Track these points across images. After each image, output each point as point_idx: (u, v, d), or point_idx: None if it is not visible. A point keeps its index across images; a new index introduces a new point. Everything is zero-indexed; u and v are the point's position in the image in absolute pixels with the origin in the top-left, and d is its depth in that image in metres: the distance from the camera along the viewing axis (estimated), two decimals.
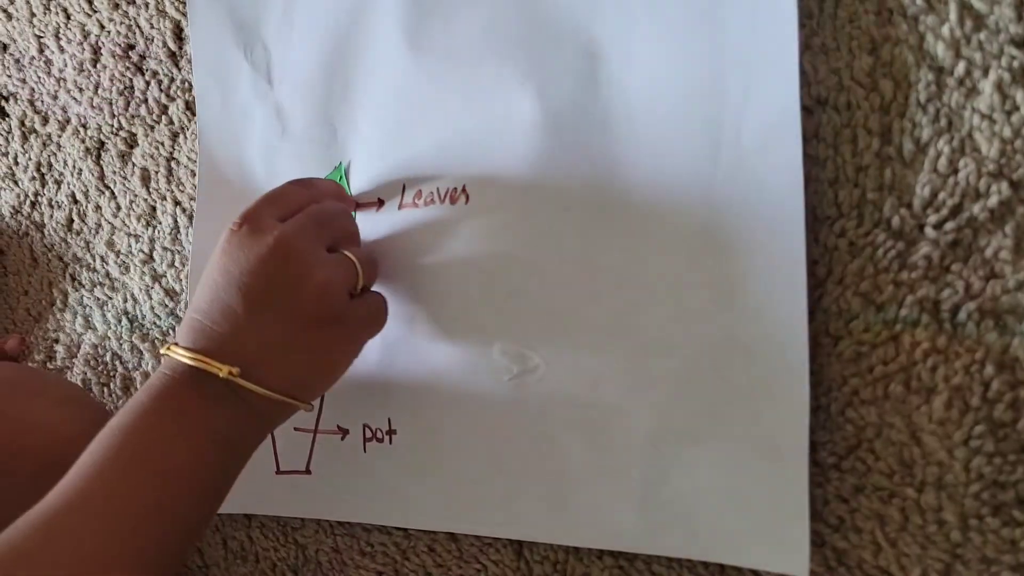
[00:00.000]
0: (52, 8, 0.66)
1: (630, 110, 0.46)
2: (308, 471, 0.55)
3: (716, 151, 0.44)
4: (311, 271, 0.44)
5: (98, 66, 0.65)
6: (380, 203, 0.53)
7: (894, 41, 0.42)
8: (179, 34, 0.61)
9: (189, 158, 0.61)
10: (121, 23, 0.63)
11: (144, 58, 0.63)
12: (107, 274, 0.65)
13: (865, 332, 0.42)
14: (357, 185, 0.54)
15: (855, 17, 0.43)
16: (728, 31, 0.44)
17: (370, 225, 0.53)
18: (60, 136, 0.67)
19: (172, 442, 0.42)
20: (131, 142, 0.64)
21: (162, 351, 0.44)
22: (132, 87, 0.63)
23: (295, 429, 0.55)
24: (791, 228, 0.42)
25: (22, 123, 0.69)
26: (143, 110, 0.63)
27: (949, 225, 0.40)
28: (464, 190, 0.50)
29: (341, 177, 0.54)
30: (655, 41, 0.45)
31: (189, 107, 0.61)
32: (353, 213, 0.54)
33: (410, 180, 0.52)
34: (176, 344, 0.44)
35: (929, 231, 0.41)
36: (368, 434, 0.53)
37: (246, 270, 0.44)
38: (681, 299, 0.45)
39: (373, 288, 0.51)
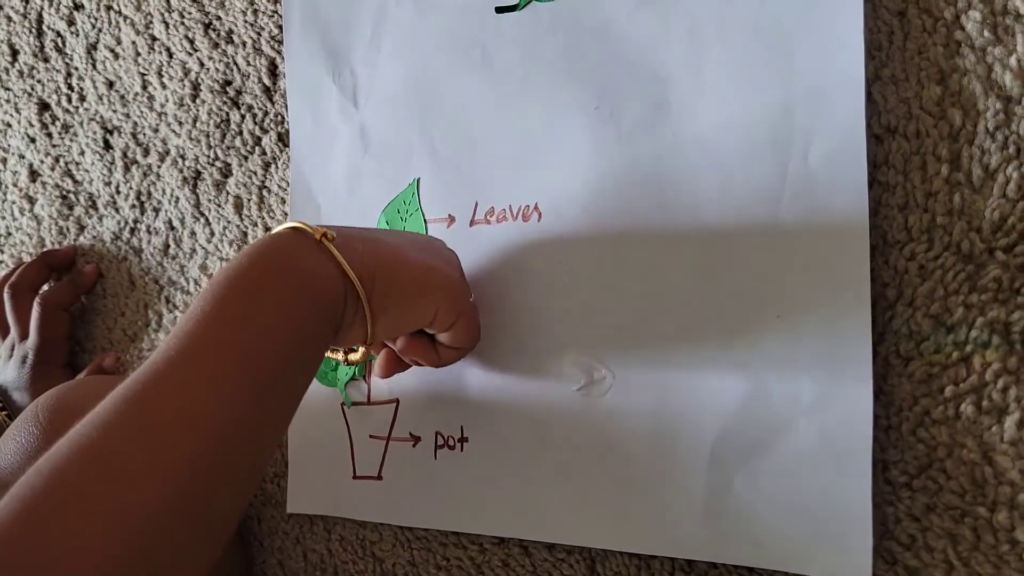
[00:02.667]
0: (156, 48, 0.71)
1: (699, 132, 0.48)
2: (380, 477, 0.58)
3: (783, 172, 0.46)
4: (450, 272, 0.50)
5: (197, 101, 0.69)
6: (451, 219, 0.56)
7: (962, 72, 0.43)
8: (273, 71, 0.65)
9: (280, 186, 0.65)
10: (220, 61, 0.67)
11: (240, 93, 0.67)
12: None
13: (936, 353, 0.43)
14: (429, 200, 0.57)
15: (924, 49, 0.44)
16: (797, 58, 0.46)
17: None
18: (159, 167, 0.71)
19: (273, 295, 0.42)
20: (226, 172, 0.68)
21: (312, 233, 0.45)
22: (228, 120, 0.67)
23: (370, 437, 0.58)
24: (856, 247, 0.44)
25: (124, 155, 0.74)
26: (238, 141, 0.67)
27: (1019, 248, 0.41)
28: (537, 208, 0.53)
29: (413, 194, 0.57)
30: (725, 67, 0.48)
31: (281, 138, 0.65)
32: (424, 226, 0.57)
33: (483, 197, 0.55)
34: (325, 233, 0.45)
35: (999, 254, 0.42)
36: (440, 441, 0.56)
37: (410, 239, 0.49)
38: (747, 316, 0.46)
39: None
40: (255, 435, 0.41)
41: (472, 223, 0.55)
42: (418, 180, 0.57)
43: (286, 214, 0.64)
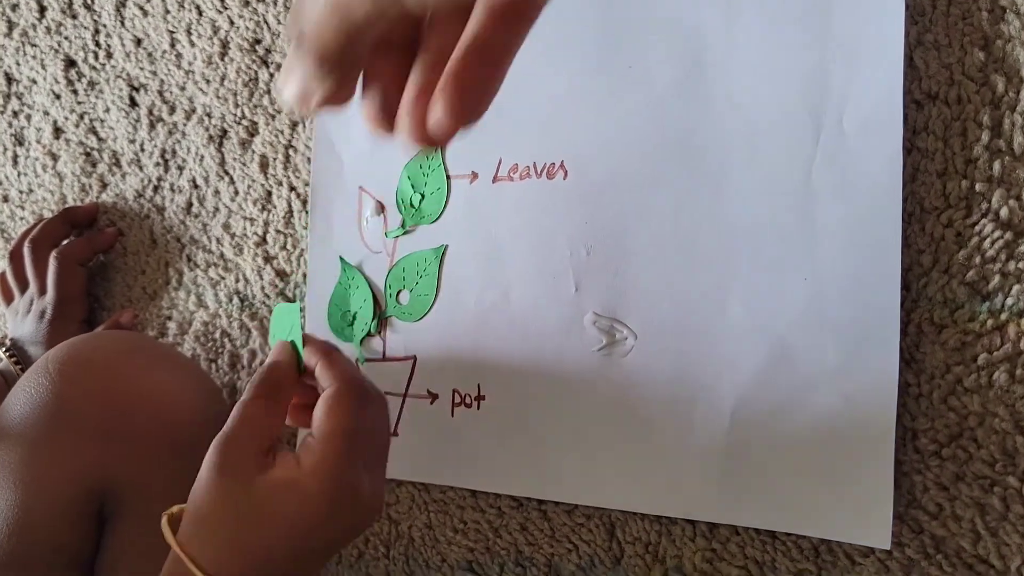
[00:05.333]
0: (186, 5, 0.71)
1: (732, 92, 0.48)
2: (395, 433, 0.57)
3: (816, 134, 0.45)
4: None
5: (225, 59, 0.69)
6: (475, 175, 0.55)
7: (1006, 38, 0.43)
8: None
9: (306, 146, 0.64)
10: (250, 19, 0.67)
11: (269, 52, 0.66)
12: (221, 255, 0.69)
13: (970, 321, 0.43)
14: (453, 156, 0.57)
15: (968, 14, 0.44)
16: (834, 21, 0.45)
17: (463, 197, 0.56)
18: (185, 125, 0.71)
19: None
20: (252, 131, 0.67)
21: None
22: (256, 79, 0.67)
23: (386, 393, 0.58)
24: (888, 212, 0.43)
25: (150, 112, 0.73)
26: (265, 100, 0.67)
27: None
28: (562, 165, 0.52)
29: (436, 148, 0.57)
30: (761, 28, 0.47)
31: None
32: (445, 192, 0.56)
33: (507, 153, 0.54)
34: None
35: None
36: (457, 399, 0.55)
37: (335, 534, 0.41)
38: (773, 278, 0.46)
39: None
40: None
41: (495, 179, 0.55)
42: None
43: (310, 173, 0.63)
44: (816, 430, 0.44)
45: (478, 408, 0.55)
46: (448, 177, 0.56)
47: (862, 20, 0.45)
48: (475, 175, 0.55)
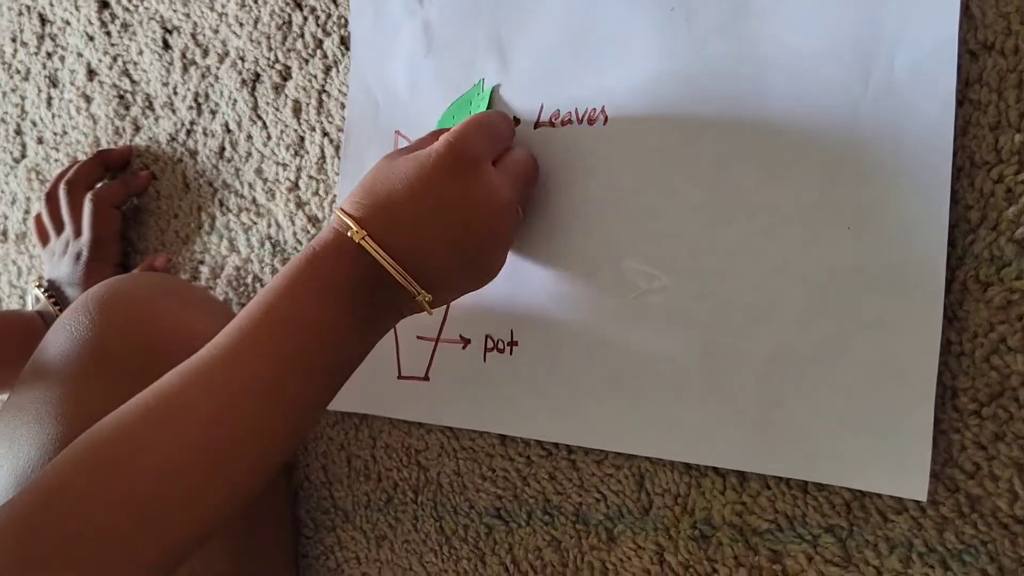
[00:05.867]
0: None
1: (778, 35, 0.46)
2: (427, 378, 0.58)
3: (866, 78, 0.44)
4: (506, 236, 0.48)
5: (259, 2, 0.68)
6: (516, 121, 0.55)
7: None
8: None
9: (340, 91, 0.64)
10: None
11: None
12: (254, 200, 0.69)
13: (1017, 280, 0.42)
14: (495, 101, 0.56)
15: None
16: None
17: None
18: (218, 68, 0.71)
19: (316, 305, 0.44)
20: (285, 75, 0.67)
21: (349, 232, 0.45)
22: (290, 22, 0.66)
23: (418, 337, 0.58)
24: (938, 162, 0.42)
25: (183, 55, 0.73)
26: (299, 44, 0.66)
27: None
28: (603, 110, 0.51)
29: (479, 93, 0.56)
30: None
31: (344, 42, 0.64)
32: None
33: (548, 98, 0.54)
34: (366, 233, 0.45)
35: None
36: (490, 344, 0.55)
37: (460, 210, 0.45)
38: (815, 226, 0.45)
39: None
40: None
41: (537, 125, 0.54)
42: (483, 81, 0.56)
43: (344, 119, 0.63)
44: (854, 381, 0.44)
45: (510, 353, 0.55)
46: None
47: None
48: (517, 121, 0.55)
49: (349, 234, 0.44)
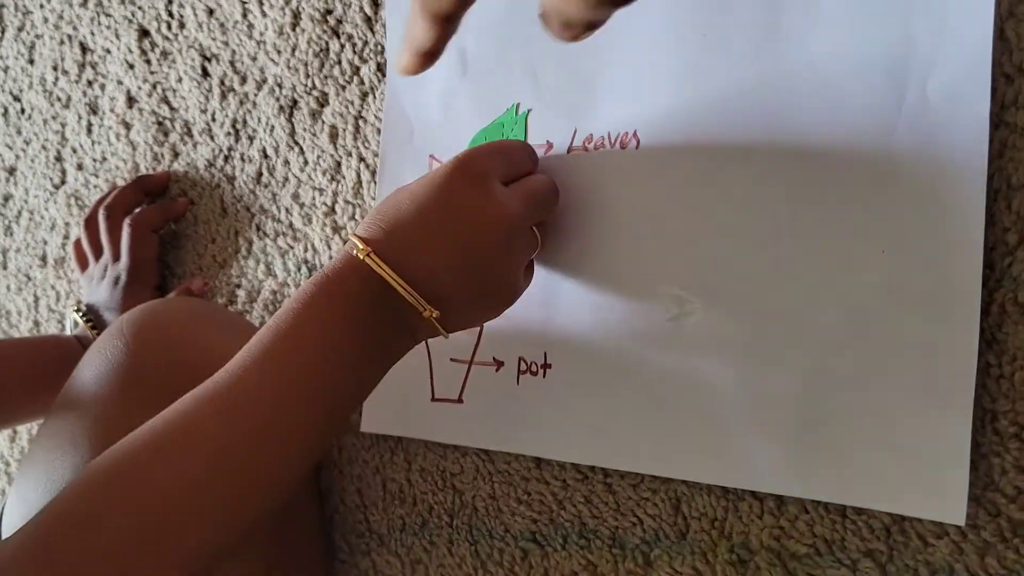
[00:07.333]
0: None
1: (811, 60, 0.47)
2: (461, 400, 0.58)
3: (900, 100, 0.44)
4: (516, 250, 0.48)
5: (296, 29, 0.69)
6: (549, 145, 0.55)
7: None
8: (375, 0, 0.65)
9: (376, 117, 0.65)
10: None
11: (341, 22, 0.67)
12: (290, 225, 0.70)
13: None
14: (529, 126, 0.57)
15: None
16: None
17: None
18: (256, 95, 0.72)
19: (325, 328, 0.45)
20: (322, 101, 0.68)
21: (355, 250, 0.45)
22: (327, 49, 0.68)
23: (451, 360, 0.58)
24: (973, 184, 0.42)
25: (222, 82, 0.74)
26: (336, 71, 0.67)
27: None
28: (635, 135, 0.52)
29: (513, 118, 0.57)
30: None
31: (380, 69, 0.65)
32: None
33: (581, 123, 0.54)
34: (370, 250, 0.45)
35: None
36: (523, 367, 0.56)
37: (465, 223, 0.46)
38: (849, 249, 0.45)
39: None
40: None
41: (570, 149, 0.54)
42: (517, 105, 0.57)
43: (380, 143, 0.64)
44: (892, 403, 0.44)
45: (544, 376, 0.55)
46: None
47: None
48: (550, 145, 0.55)
49: (354, 252, 0.45)
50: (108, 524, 0.40)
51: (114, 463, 0.42)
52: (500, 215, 0.46)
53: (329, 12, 0.67)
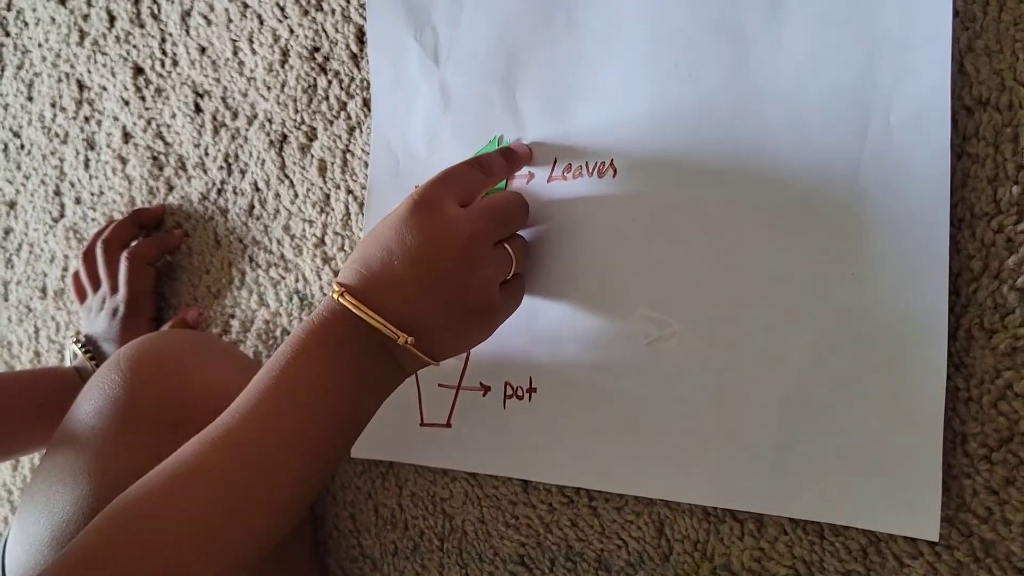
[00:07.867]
0: (247, 15, 0.73)
1: (778, 89, 0.48)
2: (449, 424, 0.59)
3: (864, 131, 0.46)
4: (480, 266, 0.49)
5: (285, 66, 0.71)
6: (531, 175, 0.57)
7: None
8: (361, 37, 0.67)
9: (363, 150, 0.66)
10: (309, 28, 0.69)
11: (328, 59, 0.69)
12: (282, 256, 0.71)
13: (1021, 327, 0.43)
14: None
15: (1020, 20, 0.43)
16: (882, 17, 0.46)
17: None
18: (247, 130, 0.74)
19: (317, 371, 0.48)
20: (311, 135, 0.70)
21: (332, 294, 0.49)
22: (315, 85, 0.69)
23: (439, 385, 0.60)
24: (935, 212, 0.43)
25: (214, 118, 0.76)
26: (324, 106, 0.69)
27: None
28: (612, 164, 0.54)
29: (495, 148, 0.58)
30: (808, 25, 0.48)
31: (366, 104, 0.66)
32: (504, 182, 0.58)
33: (561, 154, 0.56)
34: (344, 291, 0.48)
35: None
36: (509, 391, 0.57)
37: (423, 250, 0.48)
38: (820, 272, 0.46)
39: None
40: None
41: (550, 179, 0.56)
42: (499, 137, 0.58)
43: (367, 177, 0.65)
44: (865, 423, 0.45)
45: (529, 400, 0.56)
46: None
47: (909, 15, 0.45)
48: (531, 175, 0.57)
49: (333, 295, 0.48)
50: (128, 565, 0.42)
51: (130, 505, 0.44)
52: (455, 232, 0.48)
53: (316, 49, 0.69)
